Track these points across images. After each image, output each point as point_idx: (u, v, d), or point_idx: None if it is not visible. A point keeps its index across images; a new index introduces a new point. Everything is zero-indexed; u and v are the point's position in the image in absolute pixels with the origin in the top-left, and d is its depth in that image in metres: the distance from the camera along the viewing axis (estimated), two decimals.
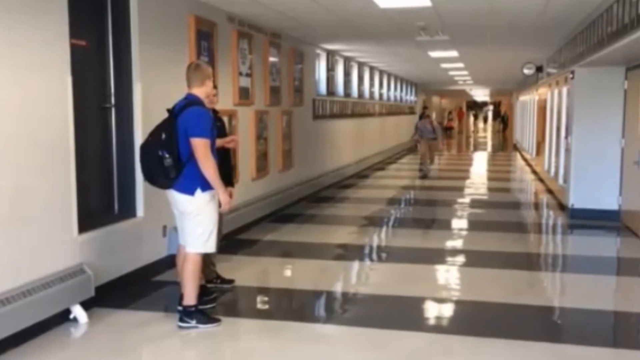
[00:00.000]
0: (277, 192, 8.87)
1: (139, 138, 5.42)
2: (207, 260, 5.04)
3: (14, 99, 4.00)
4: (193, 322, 4.37)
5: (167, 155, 4.19)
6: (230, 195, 4.54)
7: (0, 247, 3.92)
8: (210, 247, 4.44)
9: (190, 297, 4.40)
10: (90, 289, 4.60)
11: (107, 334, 4.37)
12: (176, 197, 4.36)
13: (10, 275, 3.98)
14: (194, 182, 4.26)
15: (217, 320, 4.46)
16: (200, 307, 4.54)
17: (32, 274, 4.14)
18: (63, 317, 4.40)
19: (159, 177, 4.30)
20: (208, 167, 4.21)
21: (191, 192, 4.28)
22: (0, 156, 3.90)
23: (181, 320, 4.40)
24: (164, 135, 4.23)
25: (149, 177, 4.37)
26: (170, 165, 4.21)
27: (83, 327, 4.44)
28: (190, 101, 4.37)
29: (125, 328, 4.48)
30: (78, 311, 4.48)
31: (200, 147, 4.19)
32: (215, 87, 4.82)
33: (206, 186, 4.28)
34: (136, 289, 5.25)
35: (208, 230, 4.37)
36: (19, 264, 4.07)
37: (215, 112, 4.97)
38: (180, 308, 4.47)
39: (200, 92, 4.42)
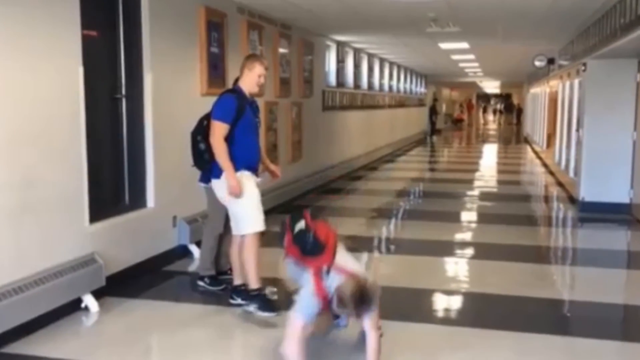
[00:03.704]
0: (287, 184, 8.88)
1: (149, 128, 5.46)
2: (220, 251, 5.06)
3: (25, 89, 4.03)
4: (253, 307, 4.42)
5: (201, 140, 4.51)
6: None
7: (12, 236, 3.96)
8: (258, 225, 4.44)
9: (252, 281, 4.45)
10: (101, 278, 4.63)
11: (117, 322, 4.41)
12: (213, 184, 4.52)
13: (22, 265, 4.02)
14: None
15: (277, 309, 4.38)
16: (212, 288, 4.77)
17: (43, 264, 4.18)
18: (74, 306, 4.44)
19: (198, 162, 4.63)
20: (217, 149, 4.34)
21: (218, 175, 4.42)
22: (12, 147, 3.93)
23: (233, 299, 4.60)
24: (205, 122, 4.55)
25: (194, 162, 4.68)
26: (204, 150, 4.52)
27: (94, 316, 4.48)
28: (226, 89, 4.69)
29: (136, 317, 4.52)
30: (89, 300, 4.52)
31: (214, 129, 4.36)
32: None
33: (235, 169, 4.36)
34: (146, 278, 5.28)
35: (248, 209, 4.42)
36: (30, 253, 4.10)
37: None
38: (232, 294, 4.66)
39: (242, 81, 4.53)
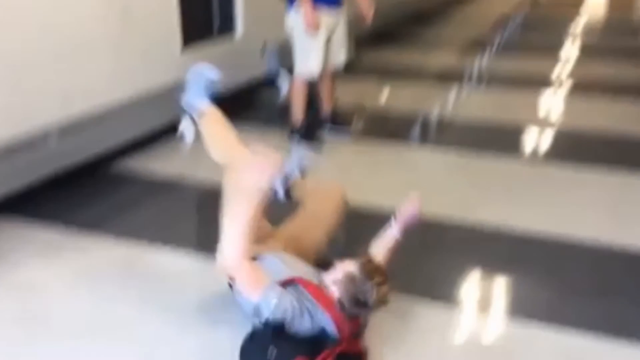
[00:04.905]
0: (376, 10, 8.52)
1: None
2: None
3: None
4: (296, 140, 4.54)
5: None
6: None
7: (112, 59, 4.09)
8: (306, 70, 4.40)
9: (294, 120, 4.57)
10: None
11: None
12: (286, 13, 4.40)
13: (120, 87, 4.17)
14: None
15: (317, 139, 4.55)
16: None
17: (140, 86, 4.33)
18: (170, 130, 4.64)
19: None
20: None
21: (290, 8, 4.31)
22: None
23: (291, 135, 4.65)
24: None
25: None
26: None
27: (190, 139, 4.65)
28: None
29: None
30: (184, 124, 4.69)
31: None
32: None
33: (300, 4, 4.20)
34: (237, 104, 5.39)
35: (301, 51, 4.37)
36: (128, 76, 4.24)
37: None
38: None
39: None
